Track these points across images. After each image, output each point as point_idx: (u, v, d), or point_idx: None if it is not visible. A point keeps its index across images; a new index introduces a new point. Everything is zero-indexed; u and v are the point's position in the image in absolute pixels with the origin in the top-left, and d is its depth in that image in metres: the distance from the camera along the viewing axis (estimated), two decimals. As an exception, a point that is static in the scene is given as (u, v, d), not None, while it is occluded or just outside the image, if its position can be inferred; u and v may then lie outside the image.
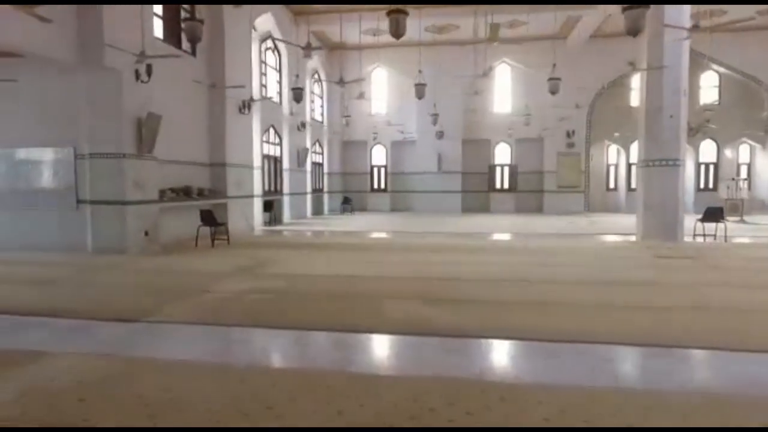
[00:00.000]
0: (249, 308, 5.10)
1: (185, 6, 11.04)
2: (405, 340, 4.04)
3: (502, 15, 14.63)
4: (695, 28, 6.58)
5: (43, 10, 6.57)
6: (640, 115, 11.15)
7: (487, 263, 7.88)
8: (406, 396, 2.92)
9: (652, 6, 10.39)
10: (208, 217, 9.84)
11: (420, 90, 11.74)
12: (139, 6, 8.41)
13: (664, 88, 10.48)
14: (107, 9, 8.07)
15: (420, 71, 11.64)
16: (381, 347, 4.00)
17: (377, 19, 13.60)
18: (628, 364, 3.57)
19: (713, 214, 10.47)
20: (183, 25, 6.71)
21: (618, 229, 13.19)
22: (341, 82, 11.57)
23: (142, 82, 8.78)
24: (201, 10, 11.38)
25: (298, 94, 12.22)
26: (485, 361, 3.68)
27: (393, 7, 5.77)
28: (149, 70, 8.67)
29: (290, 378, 3.23)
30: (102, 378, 3.19)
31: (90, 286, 6.19)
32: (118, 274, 7.03)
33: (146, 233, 9.08)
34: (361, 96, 18.06)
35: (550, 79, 11.61)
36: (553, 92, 11.99)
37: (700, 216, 10.97)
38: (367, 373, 3.33)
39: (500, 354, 3.83)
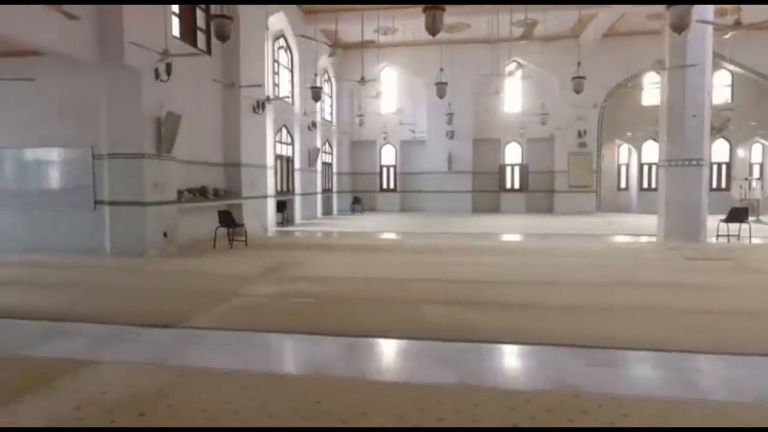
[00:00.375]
0: (286, 313, 4.96)
1: (201, 5, 10.91)
2: (457, 348, 3.89)
3: (517, 14, 14.47)
4: (737, 25, 6.42)
5: (67, 8, 6.43)
6: (662, 115, 10.99)
7: (515, 265, 7.74)
8: (482, 408, 2.77)
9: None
10: (227, 218, 9.69)
11: (441, 89, 11.57)
12: (159, 5, 8.27)
13: (687, 87, 10.33)
14: (127, 7, 7.92)
15: (441, 69, 11.48)
16: (437, 355, 3.83)
17: (392, 18, 13.48)
18: (706, 373, 3.42)
19: (738, 215, 10.33)
20: (212, 22, 6.54)
21: (636, 230, 13.04)
22: (362, 80, 11.40)
23: (161, 81, 8.63)
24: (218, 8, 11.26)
25: (317, 93, 12.06)
26: (550, 369, 3.51)
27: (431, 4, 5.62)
28: (169, 69, 8.52)
29: (353, 389, 3.08)
30: (157, 390, 3.03)
31: (118, 290, 6.05)
32: (144, 277, 6.89)
33: (165, 234, 8.93)
34: (378, 95, 17.89)
35: (575, 77, 11.45)
36: (578, 91, 11.83)
37: (714, 216, 10.81)
38: (430, 383, 3.17)
39: (565, 362, 3.65)
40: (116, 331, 4.29)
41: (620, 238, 11.70)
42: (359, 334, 4.21)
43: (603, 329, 4.31)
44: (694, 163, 10.39)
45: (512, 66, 20.31)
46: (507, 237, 12.19)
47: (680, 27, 5.66)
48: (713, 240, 10.44)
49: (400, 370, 3.46)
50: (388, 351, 3.93)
